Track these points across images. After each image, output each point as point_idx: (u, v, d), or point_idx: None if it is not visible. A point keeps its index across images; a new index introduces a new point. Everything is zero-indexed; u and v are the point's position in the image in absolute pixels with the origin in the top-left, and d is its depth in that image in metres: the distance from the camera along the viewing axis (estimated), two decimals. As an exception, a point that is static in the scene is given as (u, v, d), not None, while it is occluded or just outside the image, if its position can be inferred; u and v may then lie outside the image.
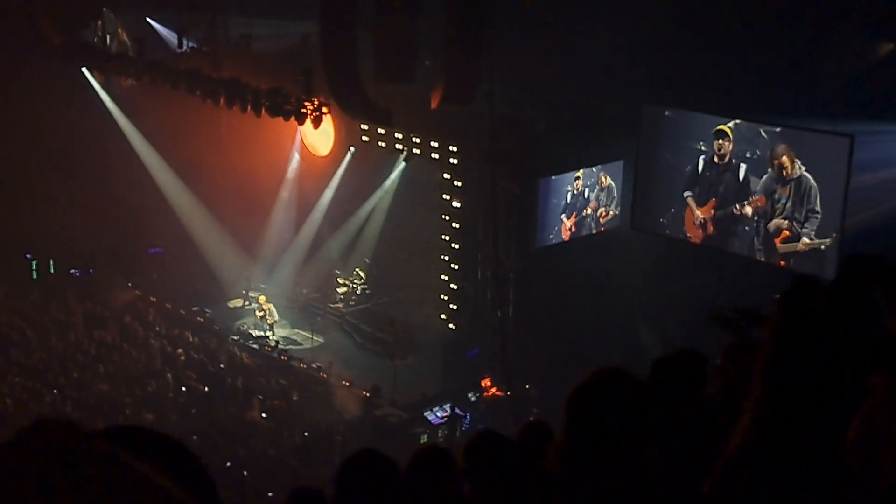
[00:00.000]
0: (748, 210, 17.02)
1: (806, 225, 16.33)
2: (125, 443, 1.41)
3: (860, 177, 16.77)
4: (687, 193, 18.69)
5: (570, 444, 2.85)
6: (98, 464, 1.28)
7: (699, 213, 18.17)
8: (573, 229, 21.93)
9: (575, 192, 21.89)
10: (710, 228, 17.97)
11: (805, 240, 16.41)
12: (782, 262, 16.83)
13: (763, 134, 17.18)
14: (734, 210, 17.22)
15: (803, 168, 16.40)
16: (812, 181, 16.27)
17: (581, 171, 21.86)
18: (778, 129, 17.07)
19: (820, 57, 18.93)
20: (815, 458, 2.29)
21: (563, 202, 21.84)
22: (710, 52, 19.00)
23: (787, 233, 16.67)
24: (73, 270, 27.54)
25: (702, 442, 3.41)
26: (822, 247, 16.21)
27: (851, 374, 2.37)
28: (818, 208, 16.16)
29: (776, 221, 16.78)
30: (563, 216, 21.89)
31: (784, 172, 16.71)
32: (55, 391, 21.36)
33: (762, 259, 17.58)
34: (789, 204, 16.47)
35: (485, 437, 4.41)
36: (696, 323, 18.67)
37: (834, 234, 16.17)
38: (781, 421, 2.33)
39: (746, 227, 17.39)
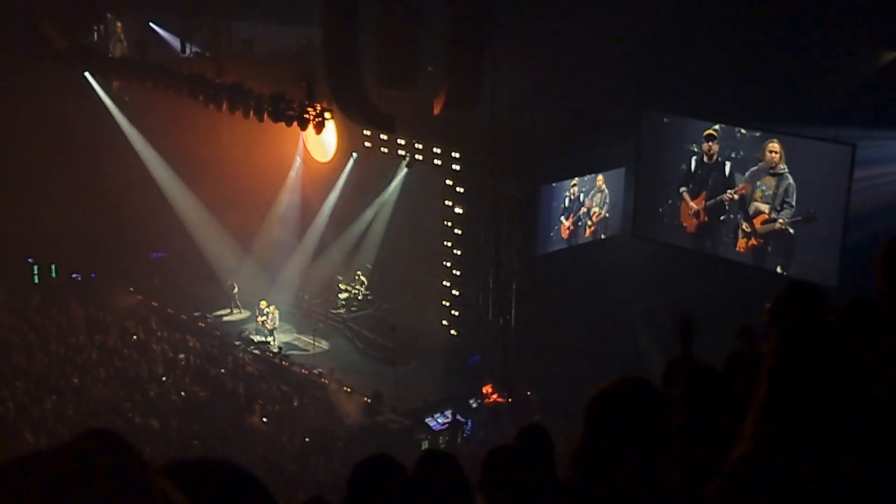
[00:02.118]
0: (735, 196, 19.29)
1: (781, 213, 18.63)
2: (192, 480, 1.39)
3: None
4: (682, 189, 20.42)
5: (588, 451, 2.83)
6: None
7: (693, 205, 20.17)
8: (571, 228, 22.54)
9: (572, 197, 22.44)
10: (703, 216, 20.03)
11: (780, 220, 18.72)
12: (760, 241, 19.24)
13: (744, 132, 19.18)
14: (724, 198, 19.53)
15: (786, 169, 18.50)
16: (791, 180, 18.46)
17: (576, 178, 22.22)
18: (758, 134, 19.09)
19: (822, 66, 19.00)
20: (819, 464, 2.28)
21: (563, 205, 22.34)
22: (712, 59, 19.15)
23: (765, 216, 18.99)
24: (74, 275, 27.54)
25: (705, 448, 3.40)
26: (792, 230, 18.62)
27: (855, 381, 2.36)
28: (793, 203, 18.44)
29: (756, 205, 19.04)
30: (562, 217, 22.40)
31: (773, 159, 18.74)
32: (54, 396, 21.34)
33: (744, 238, 19.77)
34: (770, 192, 18.74)
35: (502, 452, 4.40)
36: (697, 328, 18.93)
37: (799, 218, 18.54)
38: (785, 427, 2.32)
39: (732, 215, 19.60)
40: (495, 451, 4.40)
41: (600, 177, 22.66)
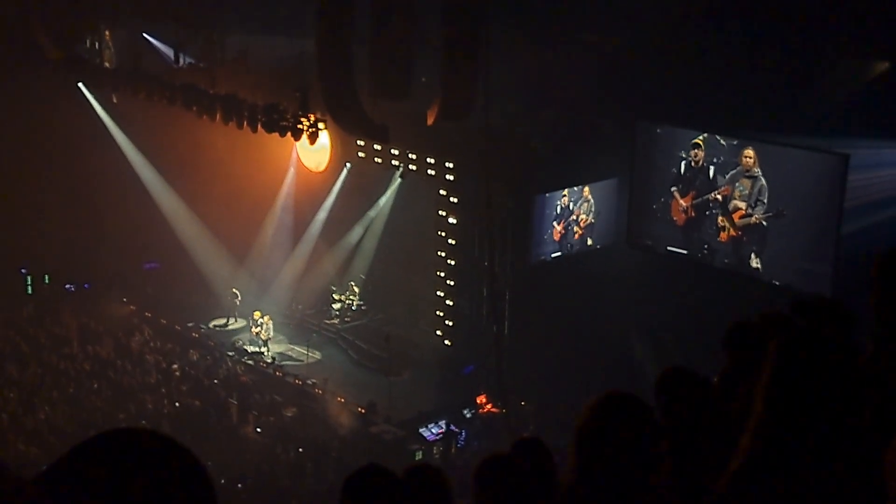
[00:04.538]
0: (718, 197, 21.40)
1: (756, 209, 20.63)
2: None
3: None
4: (673, 188, 21.97)
5: (582, 477, 2.84)
6: None
7: (682, 202, 21.99)
8: (562, 232, 23.10)
9: (563, 205, 22.92)
10: (691, 212, 21.90)
11: (755, 216, 20.71)
12: (739, 233, 21.09)
13: (723, 142, 21.02)
14: (709, 198, 21.59)
15: (759, 172, 20.48)
16: (763, 182, 20.45)
17: (566, 189, 22.65)
18: (735, 142, 20.82)
19: (814, 76, 19.13)
20: (814, 478, 2.29)
21: (555, 212, 22.79)
22: (704, 71, 19.33)
23: (742, 212, 21.02)
24: (68, 285, 27.50)
25: (700, 460, 3.41)
26: (765, 223, 20.45)
27: (852, 396, 2.37)
28: (765, 200, 20.43)
29: (735, 202, 21.11)
30: (553, 222, 22.84)
31: (748, 163, 20.65)
32: (47, 407, 21.29)
33: (725, 230, 21.50)
34: (746, 192, 20.83)
35: (495, 462, 4.39)
36: (691, 338, 19.00)
37: (771, 213, 20.23)
38: (782, 441, 2.33)
39: (715, 211, 21.56)
40: (488, 462, 4.39)
41: (586, 188, 23.11)
